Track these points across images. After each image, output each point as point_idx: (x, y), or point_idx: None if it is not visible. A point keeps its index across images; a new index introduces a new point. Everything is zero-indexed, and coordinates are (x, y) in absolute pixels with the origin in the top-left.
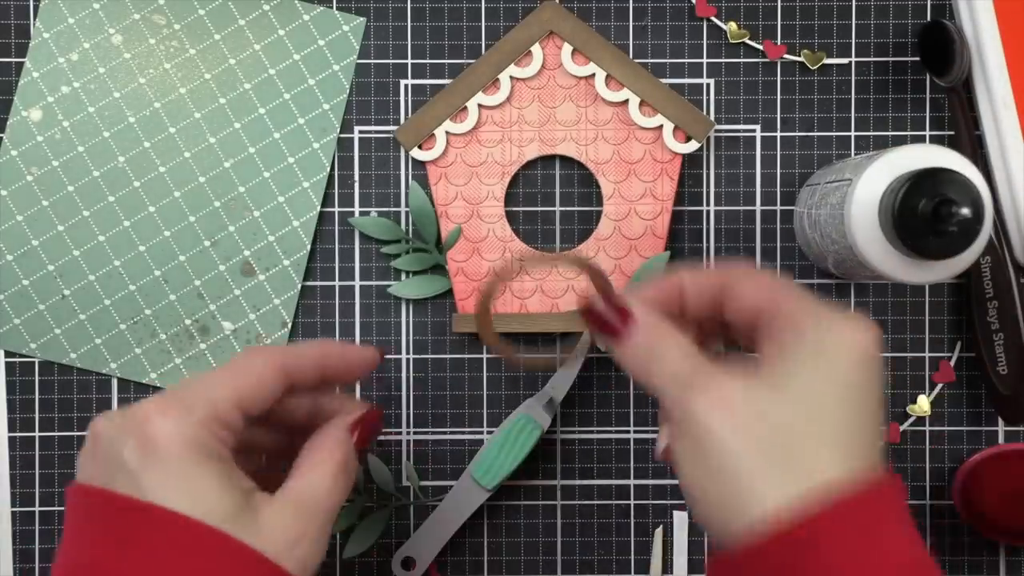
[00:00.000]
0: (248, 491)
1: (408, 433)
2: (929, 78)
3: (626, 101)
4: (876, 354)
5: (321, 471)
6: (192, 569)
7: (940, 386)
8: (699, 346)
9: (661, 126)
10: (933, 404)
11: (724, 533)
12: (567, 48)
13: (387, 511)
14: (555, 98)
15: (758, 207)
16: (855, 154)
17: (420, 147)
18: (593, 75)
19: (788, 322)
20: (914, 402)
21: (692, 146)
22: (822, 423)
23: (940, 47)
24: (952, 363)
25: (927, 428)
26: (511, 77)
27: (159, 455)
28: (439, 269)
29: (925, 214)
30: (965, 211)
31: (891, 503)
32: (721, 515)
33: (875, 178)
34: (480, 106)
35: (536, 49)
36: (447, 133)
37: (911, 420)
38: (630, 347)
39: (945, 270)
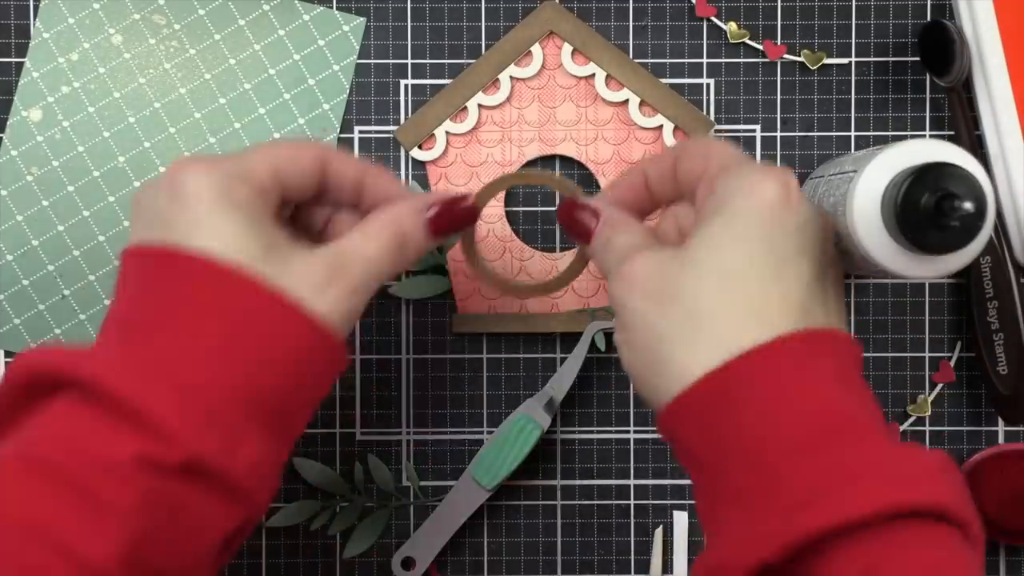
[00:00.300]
0: (279, 242)
1: (408, 433)
2: (929, 78)
3: (626, 101)
4: (785, 204)
5: (369, 232)
6: (214, 300)
7: (940, 386)
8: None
9: (661, 126)
10: (933, 404)
11: (658, 405)
12: (567, 48)
13: (387, 511)
14: (555, 98)
15: None
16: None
17: (420, 147)
18: (593, 75)
19: (708, 184)
20: (914, 402)
21: None
22: (732, 290)
23: (940, 47)
24: (952, 363)
25: (927, 428)
26: (511, 77)
27: (187, 201)
28: (439, 269)
29: (928, 208)
30: (968, 206)
31: (820, 359)
32: (651, 390)
33: (878, 172)
34: (480, 106)
35: (536, 49)
36: (447, 133)
37: (911, 420)
38: (594, 242)
39: (947, 265)
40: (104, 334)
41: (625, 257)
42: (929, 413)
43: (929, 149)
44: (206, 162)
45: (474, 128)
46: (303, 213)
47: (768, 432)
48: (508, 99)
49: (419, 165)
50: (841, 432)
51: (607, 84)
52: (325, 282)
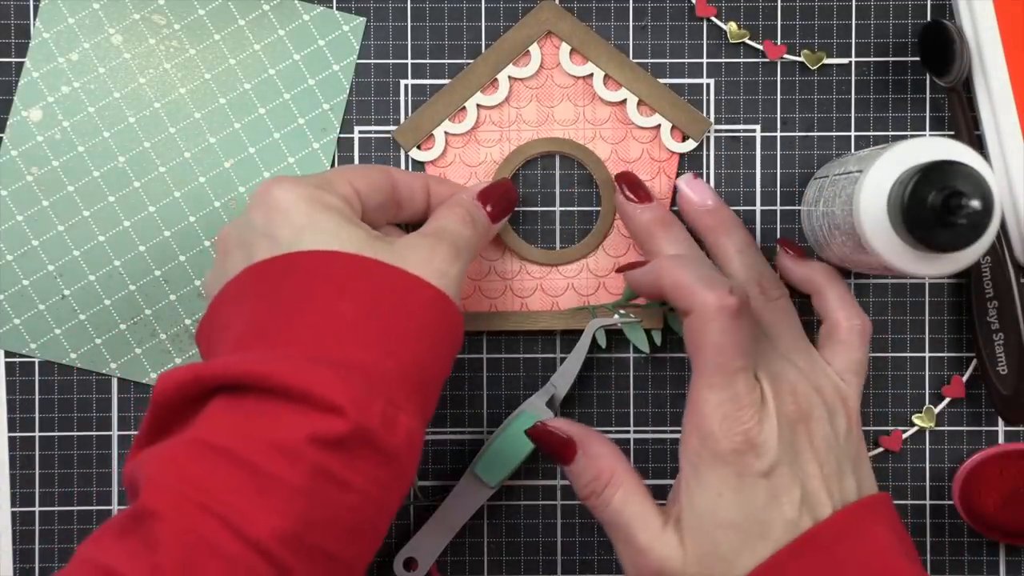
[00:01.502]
0: (375, 233)
1: None
2: (929, 78)
3: (624, 101)
4: (745, 450)
5: (445, 216)
6: (344, 284)
7: (948, 398)
8: None
9: (659, 125)
10: (932, 402)
11: None
12: (565, 48)
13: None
14: (553, 98)
15: (758, 207)
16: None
17: (419, 147)
18: (591, 75)
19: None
20: (920, 411)
21: (689, 145)
22: (736, 534)
23: (940, 47)
24: (965, 378)
25: (928, 430)
26: (509, 77)
27: (286, 212)
28: None
29: (934, 206)
30: (975, 203)
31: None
32: None
33: (884, 171)
34: (479, 106)
35: (534, 49)
36: (446, 133)
37: (915, 429)
38: (588, 498)
39: (953, 263)
40: (235, 344)
41: (638, 548)
42: (933, 425)
43: (935, 147)
44: (288, 179)
45: (473, 128)
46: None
47: None
48: (506, 99)
49: (418, 166)
50: None
51: (605, 84)
52: (430, 254)
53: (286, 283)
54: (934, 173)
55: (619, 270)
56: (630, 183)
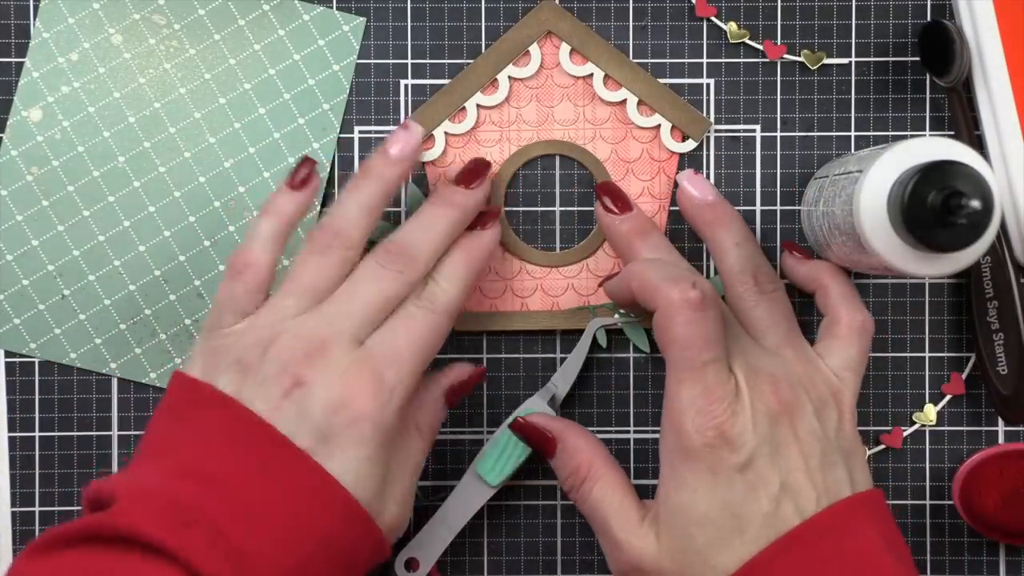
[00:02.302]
0: None
1: None
2: (929, 78)
3: (624, 101)
4: (718, 444)
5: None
6: (228, 440)
7: (948, 396)
8: None
9: (659, 125)
10: (932, 402)
11: None
12: (565, 48)
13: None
14: (553, 98)
15: (758, 207)
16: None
17: None
18: (591, 75)
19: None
20: (920, 409)
21: (689, 145)
22: (713, 531)
23: (940, 47)
24: (964, 376)
25: (927, 428)
26: (509, 77)
27: (351, 425)
28: None
29: (934, 206)
30: (975, 203)
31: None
32: None
33: (884, 171)
34: (478, 106)
35: (534, 49)
36: (446, 133)
37: (915, 427)
38: (570, 488)
39: (954, 263)
40: (150, 449)
41: (616, 543)
42: (934, 422)
43: (935, 147)
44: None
45: (473, 128)
46: None
47: None
48: (506, 99)
49: (419, 164)
50: None
51: (605, 84)
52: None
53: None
54: (934, 173)
55: (600, 283)
56: (611, 194)
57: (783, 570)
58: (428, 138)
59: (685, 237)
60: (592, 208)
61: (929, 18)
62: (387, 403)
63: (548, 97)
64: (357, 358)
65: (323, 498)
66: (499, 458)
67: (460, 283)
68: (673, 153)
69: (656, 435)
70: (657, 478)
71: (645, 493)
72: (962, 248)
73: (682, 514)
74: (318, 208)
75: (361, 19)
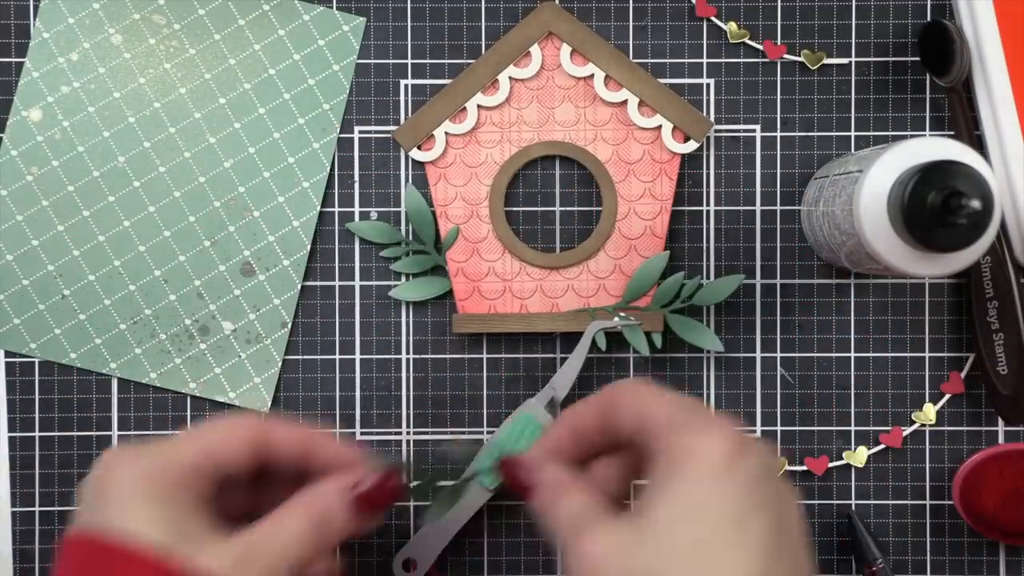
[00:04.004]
0: (194, 529)
1: (408, 433)
2: (929, 78)
3: (625, 101)
4: (733, 463)
5: (283, 517)
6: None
7: (947, 395)
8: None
9: (660, 126)
10: (932, 402)
11: None
12: (566, 49)
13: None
14: (554, 99)
15: (758, 207)
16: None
17: (419, 148)
18: (592, 76)
19: (655, 441)
20: (920, 408)
21: (691, 146)
22: (695, 565)
23: (940, 47)
24: (963, 375)
25: (927, 428)
26: (510, 78)
27: (109, 494)
28: (439, 270)
29: (934, 206)
30: (975, 203)
31: None
32: None
33: (884, 170)
34: (479, 107)
35: (535, 50)
36: (446, 134)
37: (915, 427)
38: (536, 503)
39: (954, 263)
40: None
41: (578, 530)
42: (934, 421)
43: (935, 147)
44: (130, 456)
45: (473, 129)
46: (258, 490)
47: None
48: (507, 100)
49: (418, 166)
50: None
51: (606, 85)
52: (231, 570)
53: (88, 564)
54: (934, 173)
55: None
56: (508, 476)
57: None
58: (428, 138)
59: (685, 237)
60: (592, 208)
61: (929, 18)
62: None
63: (549, 98)
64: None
65: None
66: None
67: None
68: (675, 154)
69: None
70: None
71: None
72: (962, 248)
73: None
74: (317, 209)
75: (361, 19)
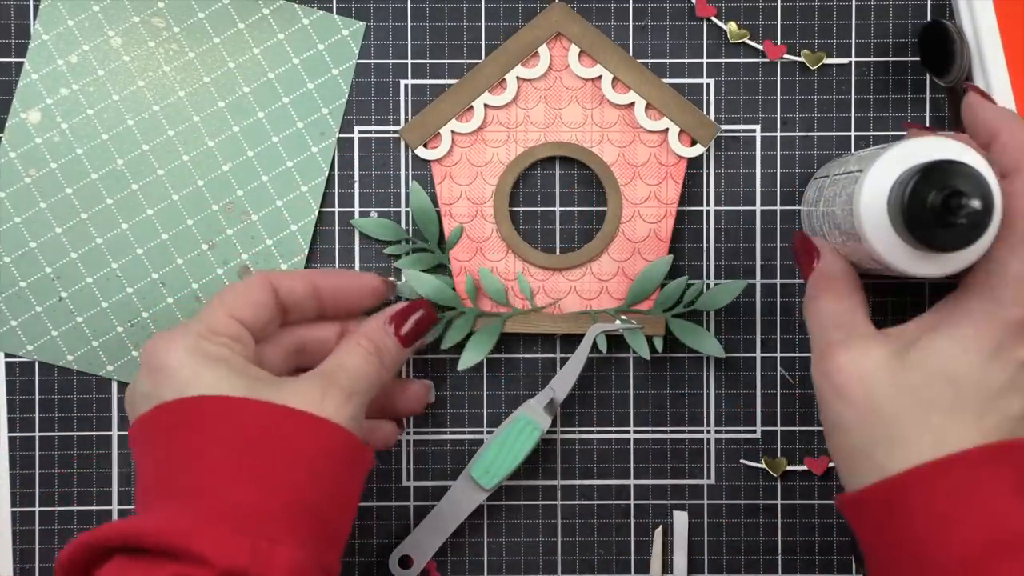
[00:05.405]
0: (264, 376)
1: (408, 433)
2: (929, 78)
3: (632, 104)
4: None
5: (345, 351)
6: (215, 436)
7: None
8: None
9: (667, 129)
10: None
11: (850, 485)
12: (574, 50)
13: (500, 320)
14: (561, 99)
15: (758, 207)
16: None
17: (425, 146)
18: (600, 77)
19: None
20: None
21: (697, 150)
22: (939, 405)
23: (940, 47)
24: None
25: None
26: (518, 78)
27: (167, 370)
28: (441, 269)
29: (934, 206)
30: (975, 203)
31: (1001, 469)
32: (844, 475)
33: (884, 170)
34: (486, 106)
35: (543, 50)
36: (453, 132)
37: None
38: (808, 285)
39: (955, 262)
40: (139, 499)
41: (832, 344)
42: None
43: (935, 146)
44: (172, 332)
45: (480, 128)
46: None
47: (939, 543)
48: (514, 99)
49: (419, 165)
50: (1012, 549)
51: (614, 86)
52: (320, 395)
53: (172, 435)
54: (934, 173)
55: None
56: (796, 246)
57: (1006, 467)
58: (435, 136)
59: (686, 237)
60: (592, 208)
61: (929, 18)
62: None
63: (556, 99)
64: None
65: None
66: (494, 462)
67: None
68: (681, 158)
69: (655, 435)
70: (656, 478)
71: (645, 494)
72: (962, 248)
73: (937, 360)
74: (315, 214)
75: (361, 23)
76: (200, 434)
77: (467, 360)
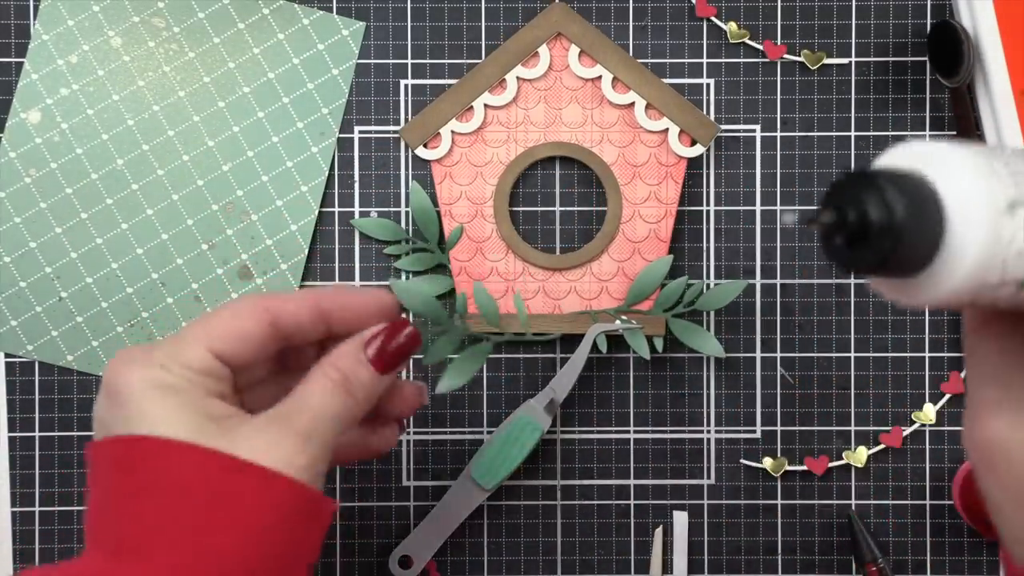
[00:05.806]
0: (220, 413)
1: (408, 433)
2: (929, 78)
3: (632, 104)
4: None
5: (310, 385)
6: (165, 481)
7: (947, 395)
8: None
9: (667, 129)
10: (933, 402)
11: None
12: (574, 50)
13: (488, 345)
14: (561, 99)
15: (758, 207)
16: (857, 154)
17: (425, 146)
18: (600, 77)
19: None
20: (920, 408)
21: (697, 150)
22: None
23: (948, 47)
24: (963, 375)
25: (928, 428)
26: (518, 78)
27: (118, 399)
28: (441, 269)
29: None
30: (825, 217)
31: None
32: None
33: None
34: (486, 106)
35: (543, 50)
36: (453, 132)
37: (915, 426)
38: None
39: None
40: (86, 532)
41: (985, 404)
42: (933, 421)
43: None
44: (137, 356)
45: (480, 128)
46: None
47: None
48: (514, 99)
49: (419, 165)
50: None
51: (614, 86)
52: (272, 441)
53: (114, 476)
54: (832, 197)
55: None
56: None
57: None
58: (435, 136)
59: (686, 237)
60: (592, 208)
61: (929, 18)
62: None
63: (556, 99)
64: None
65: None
66: (494, 463)
67: None
68: (681, 158)
69: (655, 435)
70: (656, 478)
71: (645, 494)
72: (869, 272)
73: None
74: (315, 213)
75: (361, 23)
76: (140, 479)
77: (446, 385)
